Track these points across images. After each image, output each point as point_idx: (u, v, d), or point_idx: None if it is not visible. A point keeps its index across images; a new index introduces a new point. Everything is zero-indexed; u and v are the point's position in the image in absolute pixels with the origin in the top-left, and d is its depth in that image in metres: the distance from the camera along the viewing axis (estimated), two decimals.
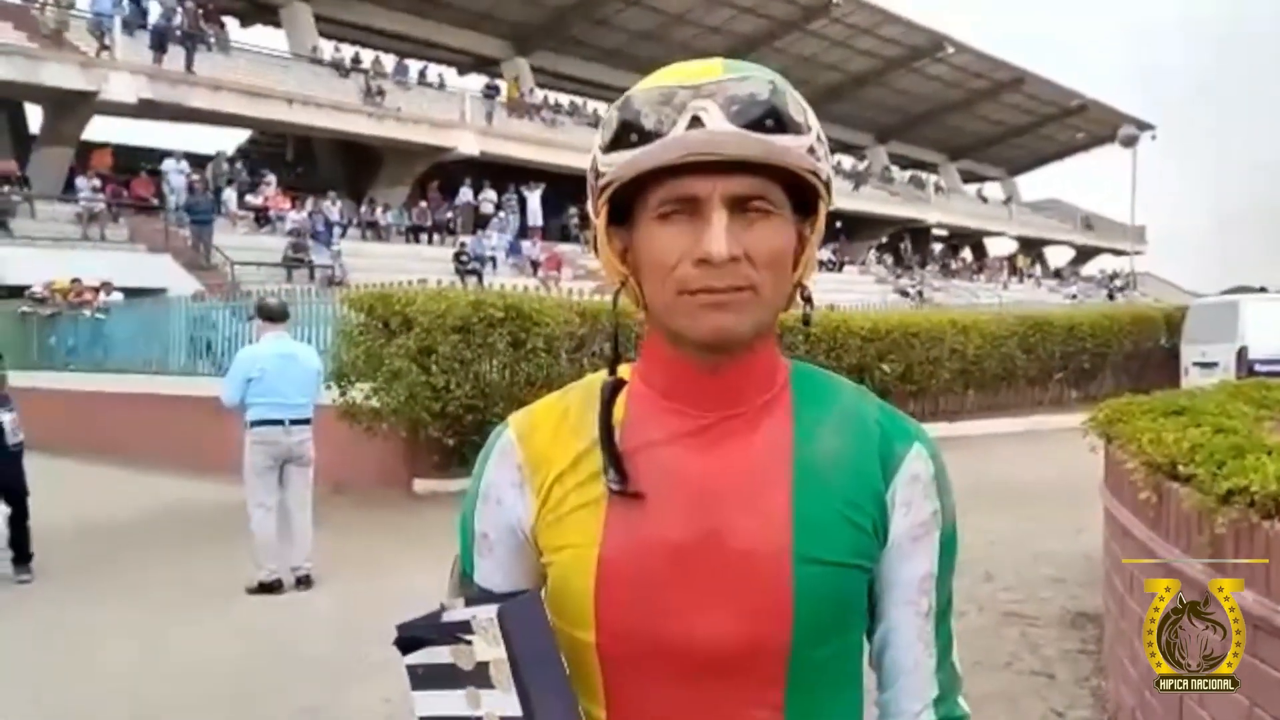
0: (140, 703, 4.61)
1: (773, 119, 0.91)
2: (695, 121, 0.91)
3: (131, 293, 17.49)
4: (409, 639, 0.98)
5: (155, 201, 22.11)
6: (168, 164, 22.58)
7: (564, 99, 35.96)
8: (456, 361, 9.74)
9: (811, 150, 0.94)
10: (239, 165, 26.01)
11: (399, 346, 9.70)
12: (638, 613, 0.94)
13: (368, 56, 30.25)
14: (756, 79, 0.93)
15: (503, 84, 33.48)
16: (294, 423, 6.59)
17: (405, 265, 19.84)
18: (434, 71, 32.63)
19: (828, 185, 0.97)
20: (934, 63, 41.03)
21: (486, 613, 0.92)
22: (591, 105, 36.53)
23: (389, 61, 30.89)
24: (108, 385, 14.52)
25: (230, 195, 23.32)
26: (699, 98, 0.91)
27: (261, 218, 23.26)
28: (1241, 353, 14.38)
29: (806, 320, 1.03)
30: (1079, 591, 5.82)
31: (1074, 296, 36.75)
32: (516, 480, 1.02)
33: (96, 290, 17.34)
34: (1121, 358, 18.76)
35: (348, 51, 30.25)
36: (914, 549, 0.99)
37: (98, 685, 4.82)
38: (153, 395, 13.41)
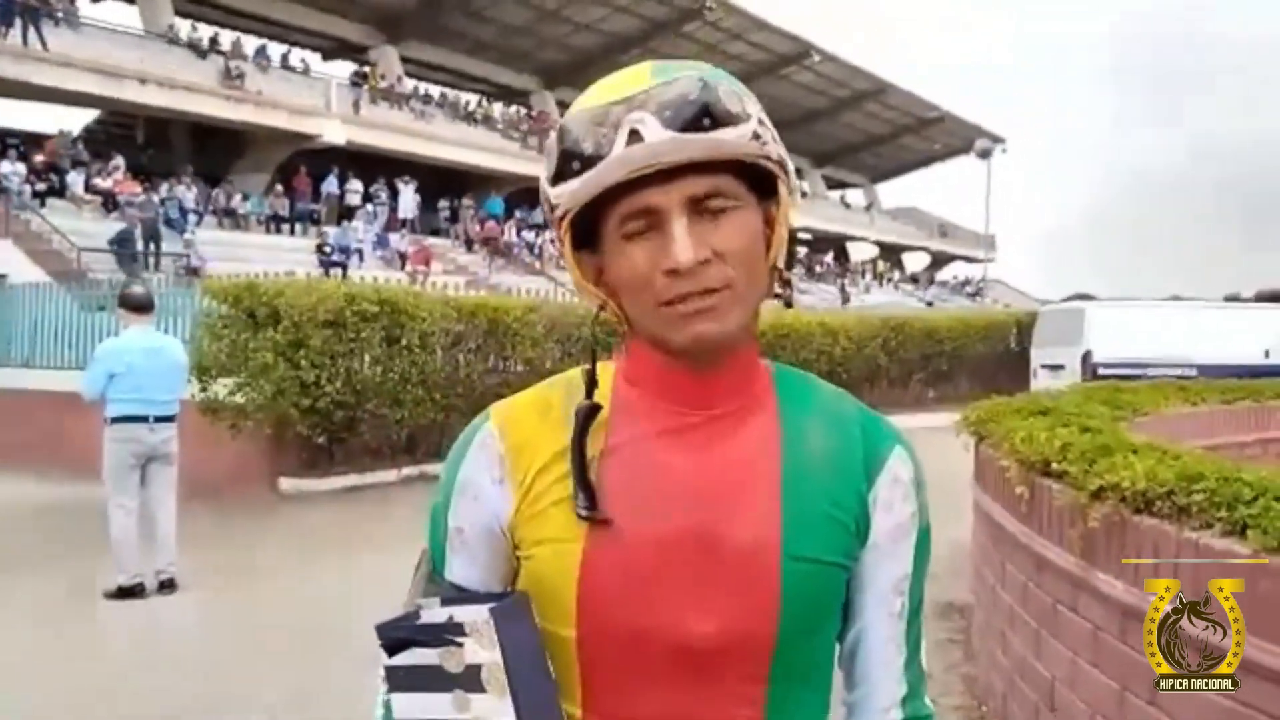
0: None
1: (708, 116, 0.91)
2: (633, 135, 0.90)
3: None
4: (394, 640, 0.94)
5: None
6: (4, 166, 21.15)
7: (434, 90, 35.37)
8: (327, 356, 9.50)
9: (756, 136, 0.94)
10: (80, 146, 24.58)
11: (266, 340, 9.38)
12: (622, 609, 0.92)
13: (227, 38, 29.06)
14: (685, 79, 0.92)
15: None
16: (158, 420, 6.27)
17: (264, 255, 19.19)
18: (297, 56, 31.62)
19: (782, 165, 0.97)
20: (801, 70, 42.03)
21: (477, 614, 0.90)
22: (465, 98, 36.06)
23: (250, 44, 29.76)
24: None
25: (75, 178, 22.09)
26: (632, 110, 0.91)
27: (110, 202, 22.09)
28: (1086, 356, 15.18)
29: (789, 304, 1.03)
30: (947, 583, 6.06)
31: (929, 303, 38.19)
32: (497, 474, 0.99)
33: None
34: (976, 360, 19.62)
35: (206, 32, 28.98)
36: (893, 550, 1.01)
37: None
38: None
